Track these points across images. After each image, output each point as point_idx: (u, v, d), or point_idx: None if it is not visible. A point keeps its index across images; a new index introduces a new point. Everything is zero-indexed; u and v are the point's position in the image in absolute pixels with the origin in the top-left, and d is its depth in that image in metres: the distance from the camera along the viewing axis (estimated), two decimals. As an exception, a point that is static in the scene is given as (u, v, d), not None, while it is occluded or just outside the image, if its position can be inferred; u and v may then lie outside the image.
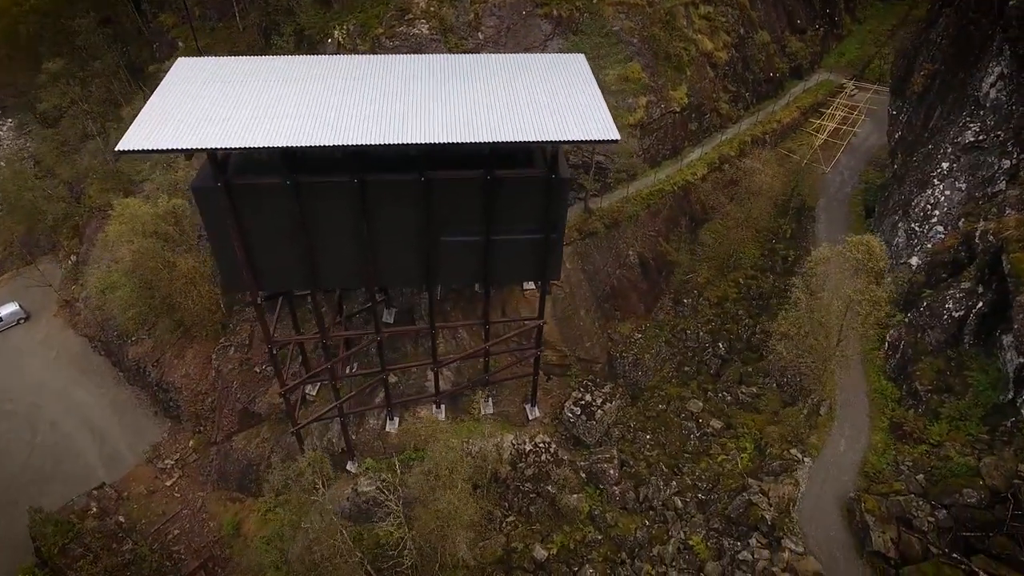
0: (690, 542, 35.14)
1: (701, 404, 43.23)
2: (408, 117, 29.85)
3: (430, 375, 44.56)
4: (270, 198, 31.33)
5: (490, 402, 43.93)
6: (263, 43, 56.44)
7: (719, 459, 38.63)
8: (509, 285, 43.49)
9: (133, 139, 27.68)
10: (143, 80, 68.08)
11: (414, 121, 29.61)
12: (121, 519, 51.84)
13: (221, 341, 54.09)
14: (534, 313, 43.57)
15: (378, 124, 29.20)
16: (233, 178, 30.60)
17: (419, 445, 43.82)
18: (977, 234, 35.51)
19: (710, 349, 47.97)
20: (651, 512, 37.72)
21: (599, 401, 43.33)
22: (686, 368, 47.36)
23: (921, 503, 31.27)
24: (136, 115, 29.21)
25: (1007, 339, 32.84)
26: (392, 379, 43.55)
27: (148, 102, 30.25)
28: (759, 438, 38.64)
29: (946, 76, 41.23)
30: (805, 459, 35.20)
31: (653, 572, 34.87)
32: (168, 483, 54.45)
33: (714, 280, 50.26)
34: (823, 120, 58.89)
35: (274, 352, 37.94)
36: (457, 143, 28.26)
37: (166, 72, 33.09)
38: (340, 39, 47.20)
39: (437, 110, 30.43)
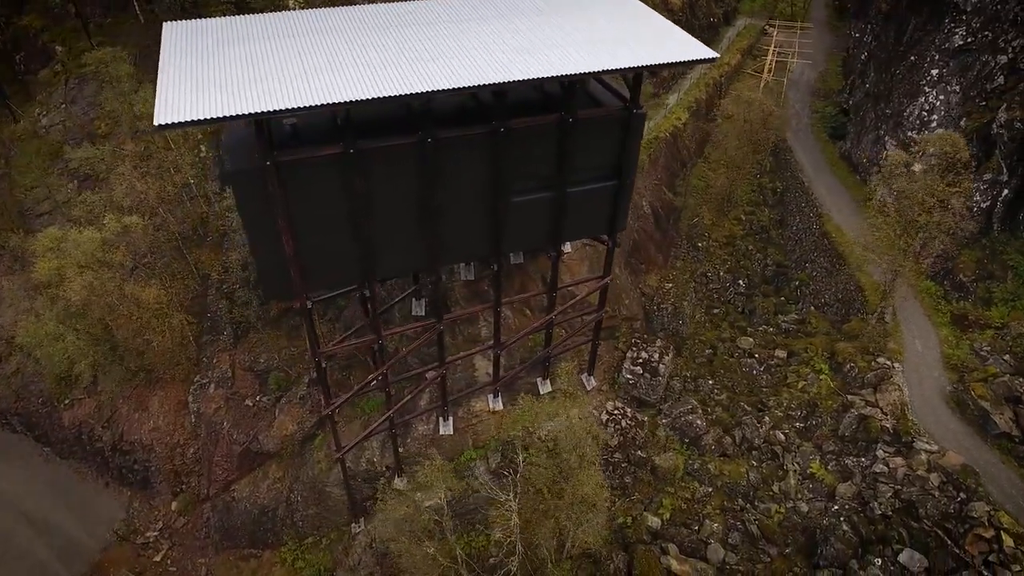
0: (810, 470, 34.43)
1: (752, 340, 42.84)
2: (485, 57, 26.11)
3: (477, 364, 40.60)
4: (325, 174, 26.25)
5: (548, 380, 40.74)
6: (181, 31, 48.41)
7: (799, 386, 38.30)
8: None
9: (170, 111, 21.64)
10: (9, 97, 56.57)
11: (496, 60, 25.94)
12: (111, 614, 43.01)
13: (196, 379, 46.21)
14: (575, 277, 41.02)
15: (462, 66, 25.18)
16: (280, 155, 25.18)
17: (479, 443, 39.88)
18: (997, 124, 37.64)
19: (731, 288, 47.88)
20: (753, 452, 36.62)
21: (657, 356, 41.60)
22: (715, 311, 46.89)
23: (1022, 380, 32.59)
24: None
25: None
26: (433, 374, 39.02)
27: (161, 73, 24.10)
28: (830, 358, 38.77)
29: (915, -10, 43.46)
30: (895, 365, 35.66)
31: (782, 509, 33.77)
32: (156, 558, 46.10)
33: (718, 221, 50.22)
34: (767, 58, 60.89)
35: (323, 365, 32.35)
36: (570, 75, 25.10)
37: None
38: (297, 8, 41.40)
39: (512, 47, 26.95)
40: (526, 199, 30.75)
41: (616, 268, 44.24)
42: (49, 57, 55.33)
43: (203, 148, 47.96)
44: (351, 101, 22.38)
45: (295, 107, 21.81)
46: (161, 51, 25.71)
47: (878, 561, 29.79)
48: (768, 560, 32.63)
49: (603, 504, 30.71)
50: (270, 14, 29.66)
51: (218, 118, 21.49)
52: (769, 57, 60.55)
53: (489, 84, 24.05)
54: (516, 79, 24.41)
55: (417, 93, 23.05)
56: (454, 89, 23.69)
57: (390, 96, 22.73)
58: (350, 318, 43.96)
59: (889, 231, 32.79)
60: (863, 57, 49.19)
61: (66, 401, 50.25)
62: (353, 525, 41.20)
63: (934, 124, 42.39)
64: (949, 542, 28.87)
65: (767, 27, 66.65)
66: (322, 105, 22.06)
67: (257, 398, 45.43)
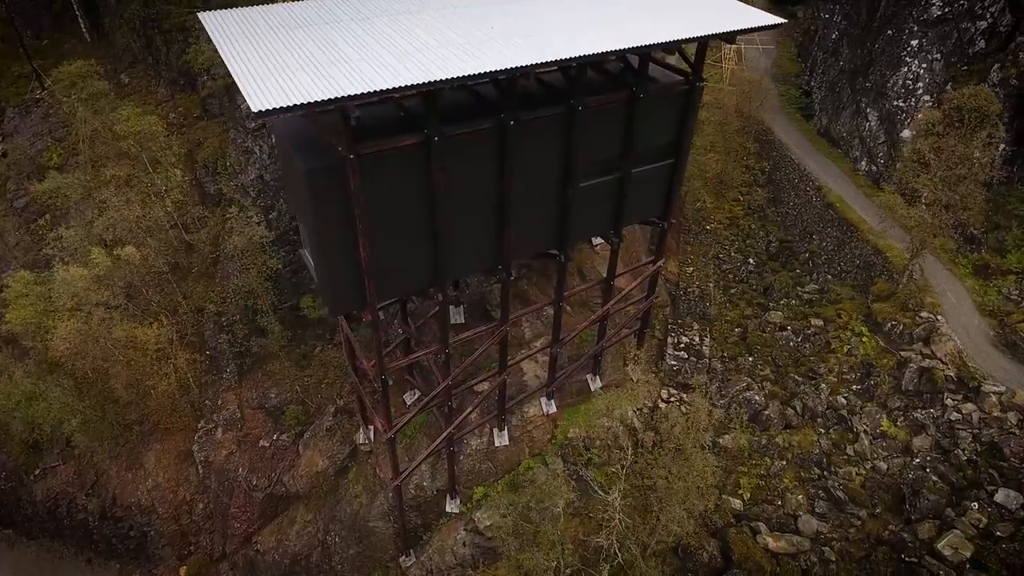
0: (880, 429, 34.76)
1: (781, 314, 43.25)
2: (573, 32, 24.97)
3: (525, 368, 38.67)
4: (402, 166, 24.09)
5: (598, 376, 39.32)
6: (142, 45, 44.02)
7: (845, 350, 38.85)
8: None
9: (265, 97, 18.99)
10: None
11: (583, 33, 24.84)
12: None
13: (200, 425, 41.57)
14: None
15: (559, 41, 23.88)
16: (362, 147, 22.77)
17: (535, 450, 37.86)
18: (990, 83, 40.00)
19: (743, 267, 48.38)
20: (818, 420, 36.64)
21: (698, 339, 41.17)
22: (732, 290, 47.13)
23: (1061, 316, 34.41)
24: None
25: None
26: (484, 386, 36.85)
27: (232, 60, 21.32)
28: (866, 319, 39.61)
29: (884, -33, 45.83)
30: (939, 317, 36.78)
31: (861, 471, 33.84)
32: (173, 633, 40.78)
33: (718, 203, 50.78)
34: (726, 47, 62.68)
35: (389, 382, 29.51)
36: (670, 41, 24.41)
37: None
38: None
39: (590, 23, 25.98)
40: (592, 183, 29.58)
41: (642, 256, 43.72)
42: (-28, 86, 48.98)
43: (178, 172, 43.57)
44: (499, 70, 21.09)
45: (425, 82, 19.83)
46: (215, 40, 22.79)
47: (975, 505, 30.21)
48: (859, 523, 32.51)
49: (713, 489, 29.58)
50: (308, 1, 27.07)
51: (341, 98, 19.10)
52: (728, 45, 62.33)
53: (606, 52, 23.07)
54: (628, 47, 23.47)
55: (555, 60, 22.11)
56: (579, 57, 22.65)
57: (547, 62, 22.03)
58: (369, 334, 40.93)
59: (933, 187, 33.96)
60: (834, 36, 51.42)
61: (36, 471, 44.04)
62: (403, 559, 37.96)
63: (920, 91, 44.65)
64: (1041, 476, 29.77)
65: (716, 20, 68.78)
66: (460, 77, 20.33)
67: (273, 437, 41.44)
